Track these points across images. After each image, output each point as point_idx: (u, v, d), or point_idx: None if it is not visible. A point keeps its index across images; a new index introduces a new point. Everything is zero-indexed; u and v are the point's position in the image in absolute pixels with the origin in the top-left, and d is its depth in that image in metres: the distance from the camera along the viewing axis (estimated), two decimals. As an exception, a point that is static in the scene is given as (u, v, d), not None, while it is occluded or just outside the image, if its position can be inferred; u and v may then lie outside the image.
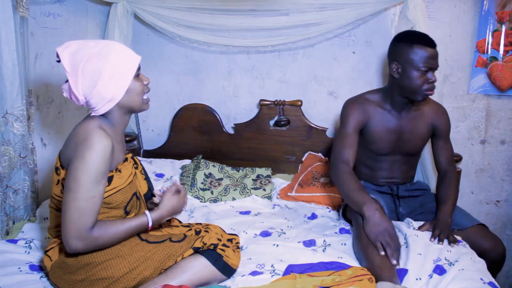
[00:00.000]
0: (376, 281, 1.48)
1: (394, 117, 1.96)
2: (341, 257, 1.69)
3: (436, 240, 1.74)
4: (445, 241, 1.74)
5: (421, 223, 1.89)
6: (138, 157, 2.53)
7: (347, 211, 1.99)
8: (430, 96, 2.10)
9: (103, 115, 1.40)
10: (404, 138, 1.97)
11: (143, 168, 1.64)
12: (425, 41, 1.83)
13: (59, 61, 1.35)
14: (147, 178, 1.65)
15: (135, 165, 1.56)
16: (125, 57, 1.37)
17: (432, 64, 1.82)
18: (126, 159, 1.50)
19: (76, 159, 1.29)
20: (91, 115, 1.39)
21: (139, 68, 1.42)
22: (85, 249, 1.33)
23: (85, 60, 1.31)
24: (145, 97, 1.45)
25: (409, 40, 1.86)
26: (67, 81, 1.36)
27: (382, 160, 2.03)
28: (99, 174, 1.30)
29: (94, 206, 1.30)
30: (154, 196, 1.66)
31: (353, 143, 1.90)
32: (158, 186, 2.28)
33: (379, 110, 1.97)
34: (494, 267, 1.82)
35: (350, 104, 1.98)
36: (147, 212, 1.47)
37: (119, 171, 1.43)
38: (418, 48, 1.82)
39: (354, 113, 1.94)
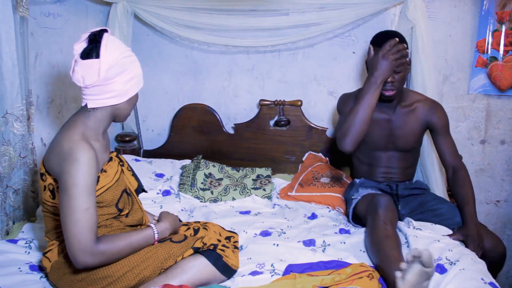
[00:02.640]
0: (385, 276, 1.51)
1: (385, 113, 2.00)
2: (341, 258, 1.69)
3: (437, 241, 1.74)
4: (446, 242, 1.74)
5: (422, 223, 1.89)
6: (138, 157, 2.54)
7: (360, 207, 1.95)
8: (428, 95, 2.12)
9: (89, 114, 1.40)
10: (395, 133, 2.00)
11: (129, 165, 1.66)
12: (380, 41, 1.88)
13: (87, 39, 1.36)
14: (134, 174, 1.66)
15: (120, 163, 1.57)
16: (141, 72, 1.47)
17: None
18: (111, 159, 1.50)
19: (64, 174, 1.30)
20: (88, 106, 1.39)
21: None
22: (94, 263, 1.33)
23: (120, 52, 1.37)
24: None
25: (370, 41, 1.94)
26: (85, 58, 1.34)
27: (378, 156, 2.05)
28: (88, 186, 1.31)
29: (90, 218, 1.30)
30: (146, 191, 1.77)
31: None
32: (158, 186, 2.28)
33: None
34: (494, 267, 1.82)
35: (345, 97, 2.10)
36: (152, 225, 1.49)
37: (105, 171, 1.44)
38: (373, 49, 1.90)
39: (348, 103, 2.03)
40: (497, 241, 1.84)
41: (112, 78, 1.36)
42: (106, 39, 1.36)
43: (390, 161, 2.05)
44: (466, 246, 1.76)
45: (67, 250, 1.31)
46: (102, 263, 1.36)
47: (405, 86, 2.09)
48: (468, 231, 1.81)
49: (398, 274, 1.35)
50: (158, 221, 1.57)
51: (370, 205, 1.83)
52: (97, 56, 1.33)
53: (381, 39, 1.90)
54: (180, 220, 1.68)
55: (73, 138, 1.35)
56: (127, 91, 1.41)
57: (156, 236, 1.48)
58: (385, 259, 1.56)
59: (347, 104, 2.05)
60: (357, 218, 1.97)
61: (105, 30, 1.39)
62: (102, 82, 1.35)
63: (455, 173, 1.99)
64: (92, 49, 1.35)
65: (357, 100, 1.88)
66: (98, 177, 1.40)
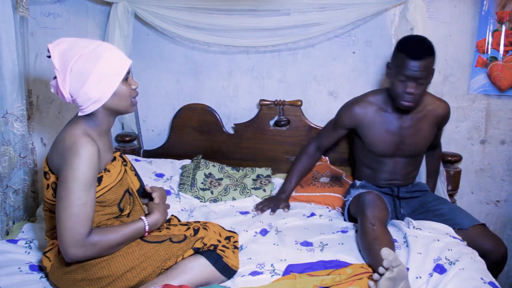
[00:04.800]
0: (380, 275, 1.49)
1: (396, 119, 1.96)
2: (340, 258, 1.69)
3: (436, 240, 1.74)
4: (445, 241, 1.74)
5: (422, 222, 1.89)
6: (138, 157, 2.54)
7: (352, 208, 1.98)
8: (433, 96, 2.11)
9: (89, 116, 1.40)
10: (406, 141, 1.97)
11: (132, 165, 1.65)
12: (411, 51, 1.79)
13: (49, 57, 1.35)
14: (137, 175, 1.66)
15: (124, 163, 1.56)
16: (115, 60, 1.36)
17: (410, 75, 1.78)
18: (114, 158, 1.50)
19: (64, 167, 1.30)
20: (78, 115, 1.39)
21: (128, 72, 1.41)
22: (84, 256, 1.33)
23: (75, 59, 1.31)
24: (133, 100, 1.45)
25: (398, 46, 1.86)
26: (55, 77, 1.35)
27: (384, 162, 2.03)
28: (88, 181, 1.30)
29: (86, 212, 1.30)
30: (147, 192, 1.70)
31: (333, 133, 2.15)
32: (158, 186, 2.27)
33: (381, 112, 1.98)
34: (495, 267, 1.82)
35: (344, 108, 2.10)
36: (143, 217, 1.48)
37: (108, 170, 1.44)
38: (402, 57, 1.80)
39: (344, 115, 2.07)
40: (498, 242, 1.84)
41: (78, 90, 1.32)
42: (56, 55, 1.31)
43: (395, 167, 2.04)
44: None
45: (58, 242, 1.31)
46: (93, 256, 1.36)
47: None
48: None
49: (370, 283, 1.37)
50: (149, 213, 1.54)
51: (358, 205, 1.84)
52: (55, 76, 1.33)
53: (409, 48, 1.82)
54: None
55: (76, 133, 1.35)
56: (103, 93, 1.35)
57: (146, 228, 1.47)
58: (375, 262, 1.56)
59: (340, 117, 2.09)
60: (354, 219, 1.98)
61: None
62: (74, 96, 1.34)
63: (435, 151, 2.22)
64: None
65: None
66: (101, 176, 1.40)
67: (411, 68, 1.78)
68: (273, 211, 2.08)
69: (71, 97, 1.34)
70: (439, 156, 2.25)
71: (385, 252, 1.32)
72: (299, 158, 2.26)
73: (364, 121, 1.99)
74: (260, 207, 2.11)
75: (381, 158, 2.02)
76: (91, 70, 1.31)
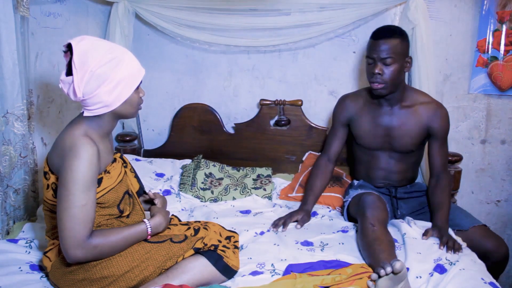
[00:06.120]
0: (379, 277, 1.49)
1: (384, 112, 1.98)
2: (340, 258, 1.69)
3: (436, 240, 1.74)
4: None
5: (422, 222, 1.89)
6: (138, 157, 2.54)
7: (352, 208, 1.98)
8: (431, 94, 2.11)
9: (94, 117, 1.39)
10: (392, 134, 1.97)
11: (132, 167, 1.65)
12: (375, 33, 1.89)
13: (66, 52, 1.35)
14: (136, 176, 1.66)
15: (124, 164, 1.56)
16: (133, 70, 1.38)
17: (372, 53, 1.85)
18: (114, 160, 1.50)
19: (64, 169, 1.30)
20: (84, 115, 1.39)
21: (141, 82, 1.43)
22: (85, 258, 1.33)
23: (96, 62, 1.31)
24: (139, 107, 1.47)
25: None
26: (67, 74, 1.35)
27: (375, 156, 2.03)
28: (88, 182, 1.31)
29: (87, 214, 1.31)
30: (147, 194, 1.69)
31: (335, 136, 2.12)
32: (158, 186, 2.28)
33: (369, 104, 2.02)
34: (496, 267, 1.82)
35: (338, 102, 2.14)
36: (145, 220, 1.48)
37: (108, 172, 1.44)
38: (369, 41, 1.90)
39: (337, 110, 2.12)
40: (500, 242, 1.83)
41: (92, 92, 1.32)
42: (77, 53, 1.31)
43: (388, 163, 2.03)
44: (441, 241, 1.74)
45: (60, 244, 1.31)
46: (94, 258, 1.36)
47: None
48: (440, 228, 1.79)
49: (369, 283, 1.37)
50: (151, 216, 1.54)
51: (358, 206, 1.84)
52: (71, 73, 1.32)
53: (377, 33, 1.91)
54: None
55: (76, 134, 1.35)
56: (116, 99, 1.36)
57: (149, 231, 1.47)
58: (375, 262, 1.56)
59: (335, 112, 2.11)
60: (354, 219, 1.98)
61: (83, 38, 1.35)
62: (86, 97, 1.33)
63: (439, 180, 1.96)
64: (69, 65, 1.33)
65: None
66: (101, 178, 1.41)
67: (375, 48, 1.84)
68: (285, 226, 1.93)
69: (83, 97, 1.34)
70: (444, 187, 1.93)
71: (398, 266, 1.33)
72: (310, 174, 2.14)
73: (354, 113, 2.05)
74: (276, 222, 1.96)
75: (372, 152, 2.03)
76: (109, 75, 1.32)
